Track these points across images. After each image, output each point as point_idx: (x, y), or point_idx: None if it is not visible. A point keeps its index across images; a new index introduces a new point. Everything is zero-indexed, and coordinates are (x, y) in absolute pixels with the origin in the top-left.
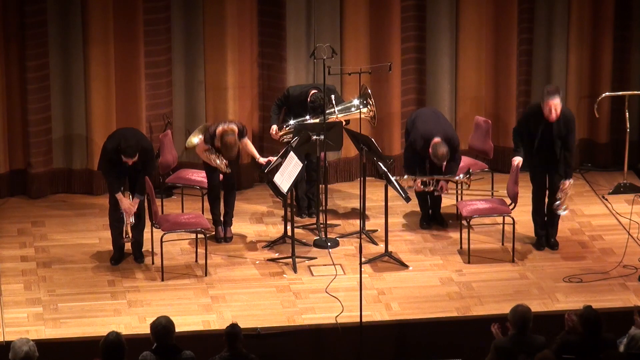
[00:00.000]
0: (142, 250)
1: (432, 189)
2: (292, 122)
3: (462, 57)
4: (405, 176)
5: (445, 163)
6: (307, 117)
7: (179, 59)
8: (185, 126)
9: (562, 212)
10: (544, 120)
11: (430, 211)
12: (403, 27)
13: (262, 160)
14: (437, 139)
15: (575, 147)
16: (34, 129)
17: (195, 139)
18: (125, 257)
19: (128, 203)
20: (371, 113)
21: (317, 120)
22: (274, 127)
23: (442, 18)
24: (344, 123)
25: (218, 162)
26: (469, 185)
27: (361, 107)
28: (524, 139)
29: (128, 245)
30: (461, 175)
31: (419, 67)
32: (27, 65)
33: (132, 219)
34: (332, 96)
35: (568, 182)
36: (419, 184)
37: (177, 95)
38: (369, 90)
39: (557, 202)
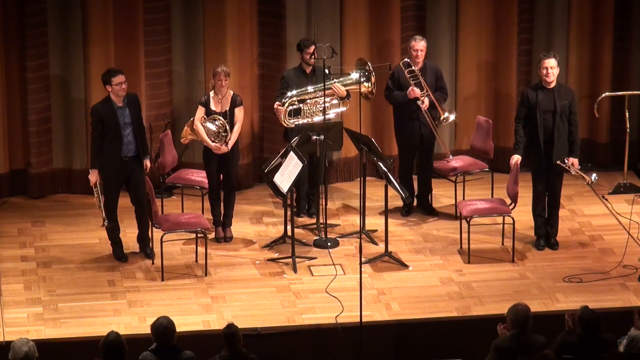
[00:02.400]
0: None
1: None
2: (289, 93)
3: (462, 57)
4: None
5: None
6: (310, 88)
7: (179, 59)
8: (185, 126)
9: (594, 180)
10: (541, 90)
11: (412, 201)
12: (403, 27)
13: (223, 146)
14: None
15: (578, 123)
16: (34, 129)
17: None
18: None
19: (95, 179)
20: (371, 87)
21: (317, 96)
22: (277, 103)
23: (442, 18)
24: (345, 95)
25: (214, 133)
26: (441, 122)
27: (363, 79)
28: (525, 125)
29: (129, 245)
30: (447, 114)
31: None
32: (27, 65)
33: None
34: (327, 70)
35: (574, 161)
36: (415, 90)
37: (177, 95)
38: (370, 63)
39: (584, 179)
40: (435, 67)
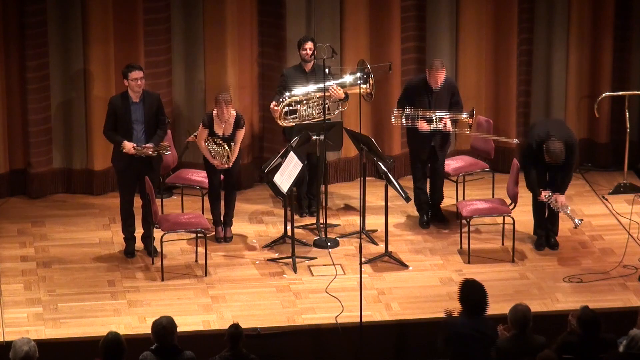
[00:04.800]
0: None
1: (434, 125)
2: (286, 94)
3: (462, 57)
4: (395, 110)
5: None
6: (305, 89)
7: (179, 59)
8: (185, 126)
9: (578, 224)
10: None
11: (429, 210)
12: (403, 27)
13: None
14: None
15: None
16: (34, 129)
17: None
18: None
19: (131, 145)
20: (369, 89)
21: (317, 94)
22: (273, 103)
23: (442, 18)
24: (342, 97)
25: (217, 153)
26: (470, 126)
27: (359, 81)
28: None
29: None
30: (465, 114)
31: (419, 67)
32: (27, 65)
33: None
34: (327, 70)
35: (558, 196)
36: (423, 124)
37: (177, 95)
38: (368, 65)
39: (573, 220)
40: (451, 83)
